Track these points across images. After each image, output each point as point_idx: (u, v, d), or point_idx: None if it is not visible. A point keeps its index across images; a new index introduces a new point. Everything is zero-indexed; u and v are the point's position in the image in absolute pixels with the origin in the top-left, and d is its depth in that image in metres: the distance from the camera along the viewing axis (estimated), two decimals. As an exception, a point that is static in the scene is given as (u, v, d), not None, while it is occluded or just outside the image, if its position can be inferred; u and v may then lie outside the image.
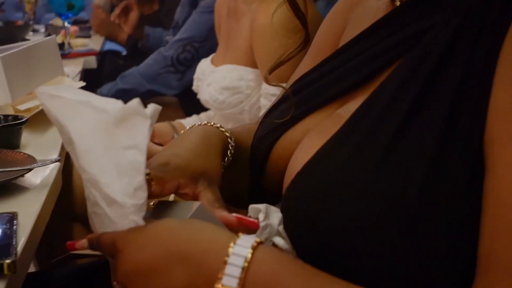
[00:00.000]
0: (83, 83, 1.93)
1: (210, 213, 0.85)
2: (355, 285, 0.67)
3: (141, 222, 0.75)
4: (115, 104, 0.78)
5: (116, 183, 0.76)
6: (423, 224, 0.67)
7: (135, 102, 0.75)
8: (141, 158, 0.75)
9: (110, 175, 0.76)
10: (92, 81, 2.56)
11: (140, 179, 0.76)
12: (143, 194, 0.76)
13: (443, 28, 0.75)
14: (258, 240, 0.69)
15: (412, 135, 0.71)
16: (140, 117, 0.76)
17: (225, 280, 0.67)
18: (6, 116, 1.41)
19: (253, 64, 1.99)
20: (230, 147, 0.98)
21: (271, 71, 0.96)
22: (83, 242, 0.81)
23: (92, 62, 2.90)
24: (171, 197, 0.98)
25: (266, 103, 1.92)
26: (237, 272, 0.67)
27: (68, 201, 1.86)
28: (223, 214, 0.83)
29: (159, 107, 0.78)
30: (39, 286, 1.10)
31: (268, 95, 1.90)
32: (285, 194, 0.78)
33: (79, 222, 1.90)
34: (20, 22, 3.32)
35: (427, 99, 0.72)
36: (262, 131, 0.97)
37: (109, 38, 3.53)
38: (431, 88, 0.72)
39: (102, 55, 3.20)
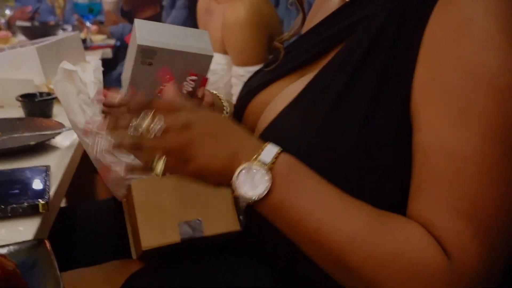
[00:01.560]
0: (100, 62, 1.89)
1: None
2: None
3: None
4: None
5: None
6: (360, 161, 0.67)
7: None
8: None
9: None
10: (108, 67, 2.53)
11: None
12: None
13: (377, 16, 0.72)
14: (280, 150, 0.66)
15: (351, 98, 0.69)
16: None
17: (263, 155, 0.64)
18: (41, 93, 1.39)
19: (225, 52, 1.95)
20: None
21: (275, 44, 0.91)
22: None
23: (108, 53, 2.85)
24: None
25: (236, 82, 1.91)
26: (270, 155, 0.65)
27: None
28: None
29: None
30: (67, 218, 1.08)
31: (238, 75, 1.88)
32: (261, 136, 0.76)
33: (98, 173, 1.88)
34: (52, 23, 3.24)
35: (363, 72, 0.70)
36: (241, 94, 0.94)
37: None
38: (366, 65, 0.70)
39: (116, 48, 3.15)
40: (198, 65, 0.78)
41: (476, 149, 0.60)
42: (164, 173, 0.66)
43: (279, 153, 0.65)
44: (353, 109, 0.68)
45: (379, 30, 0.71)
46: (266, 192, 0.64)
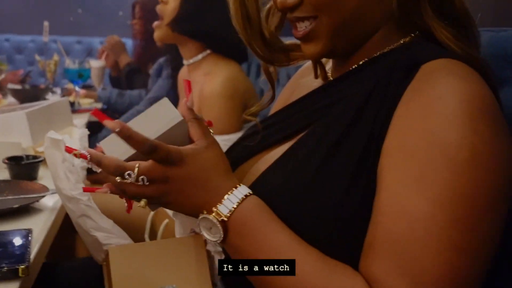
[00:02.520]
0: (87, 131, 1.91)
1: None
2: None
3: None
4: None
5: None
6: (339, 222, 0.70)
7: None
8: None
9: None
10: (94, 129, 2.55)
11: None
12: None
13: (360, 94, 0.76)
14: (249, 192, 0.73)
15: (333, 166, 0.72)
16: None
17: (220, 208, 0.72)
18: (28, 156, 1.40)
19: None
20: None
21: (248, 114, 0.94)
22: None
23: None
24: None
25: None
26: (229, 207, 0.72)
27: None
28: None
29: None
30: (47, 275, 1.07)
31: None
32: None
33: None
34: (42, 86, 3.27)
35: (342, 143, 0.73)
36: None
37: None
38: (348, 136, 0.74)
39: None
40: (177, 133, 0.79)
41: (426, 214, 0.63)
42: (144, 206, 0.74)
43: (239, 203, 0.72)
44: (339, 171, 0.71)
45: (363, 103, 0.75)
46: (219, 240, 0.72)
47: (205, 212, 0.73)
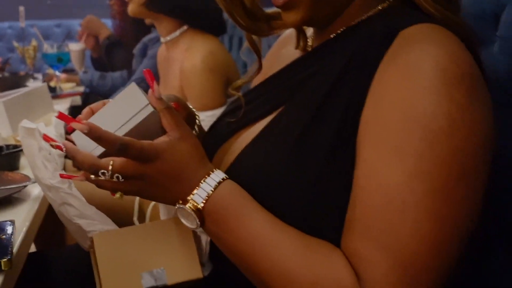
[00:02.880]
0: (63, 123, 1.89)
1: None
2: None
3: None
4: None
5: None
6: (319, 196, 0.69)
7: None
8: None
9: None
10: (77, 114, 2.50)
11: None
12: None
13: (337, 63, 0.75)
14: (224, 177, 0.73)
15: (311, 139, 0.72)
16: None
17: (194, 197, 0.72)
18: (8, 145, 1.37)
19: (184, 99, 1.95)
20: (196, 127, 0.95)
21: (233, 88, 0.93)
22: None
23: (77, 100, 2.84)
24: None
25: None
26: (203, 195, 0.72)
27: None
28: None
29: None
30: (37, 264, 1.06)
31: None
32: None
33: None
34: (22, 73, 3.23)
35: (321, 113, 0.73)
36: (205, 143, 0.91)
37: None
38: (325, 107, 0.73)
39: (86, 95, 3.14)
40: (149, 124, 0.76)
41: (403, 185, 0.62)
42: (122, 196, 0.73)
43: (213, 191, 0.72)
44: (317, 145, 0.71)
45: (340, 74, 0.73)
46: (196, 227, 0.73)
47: (180, 202, 0.73)
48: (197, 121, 0.95)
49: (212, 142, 0.92)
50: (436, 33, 0.69)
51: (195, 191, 0.72)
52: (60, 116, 0.71)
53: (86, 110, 0.79)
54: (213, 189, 0.72)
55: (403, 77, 0.66)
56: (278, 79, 0.87)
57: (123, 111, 0.72)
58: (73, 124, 0.70)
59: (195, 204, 0.72)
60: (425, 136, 0.63)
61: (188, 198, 0.72)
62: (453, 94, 0.64)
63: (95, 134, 0.69)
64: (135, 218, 1.55)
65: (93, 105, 0.81)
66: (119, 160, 0.70)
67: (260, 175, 0.73)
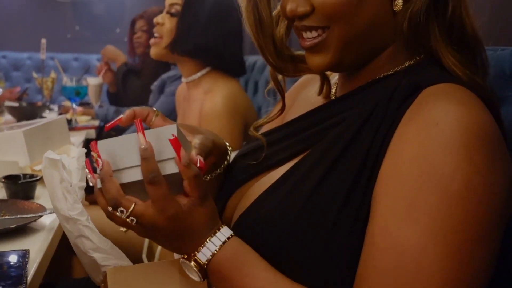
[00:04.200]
0: (85, 150, 1.91)
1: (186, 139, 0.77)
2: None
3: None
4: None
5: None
6: (332, 245, 0.69)
7: None
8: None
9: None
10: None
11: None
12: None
13: (360, 114, 0.75)
14: (230, 235, 0.74)
15: (327, 189, 0.71)
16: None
17: (199, 255, 0.73)
18: (25, 175, 1.39)
19: None
20: (228, 158, 0.94)
21: (255, 128, 0.94)
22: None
23: (92, 133, 2.87)
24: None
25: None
26: (207, 254, 0.72)
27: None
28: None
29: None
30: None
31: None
32: (238, 220, 0.79)
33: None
34: (39, 103, 3.28)
35: (343, 163, 0.73)
36: (223, 184, 0.94)
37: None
38: (347, 157, 0.73)
39: (100, 128, 3.18)
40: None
41: (417, 246, 0.62)
42: None
43: (217, 250, 0.72)
44: (333, 196, 0.70)
45: (361, 125, 0.74)
46: (200, 280, 0.74)
47: (185, 257, 0.74)
48: (228, 156, 0.94)
49: (229, 184, 0.92)
50: (459, 93, 0.70)
51: (200, 249, 0.73)
52: (92, 145, 0.74)
53: (129, 113, 0.80)
54: (217, 249, 0.72)
55: (423, 134, 0.66)
56: (301, 124, 0.87)
57: (156, 149, 0.71)
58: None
59: (200, 261, 0.73)
60: (441, 197, 0.63)
61: (193, 255, 0.73)
62: (472, 155, 0.64)
63: (147, 153, 0.69)
64: (144, 256, 1.55)
65: (137, 110, 0.81)
66: (141, 205, 0.70)
67: (275, 221, 0.73)
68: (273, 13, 0.87)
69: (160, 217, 0.70)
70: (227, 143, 0.95)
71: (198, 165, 0.71)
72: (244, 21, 0.85)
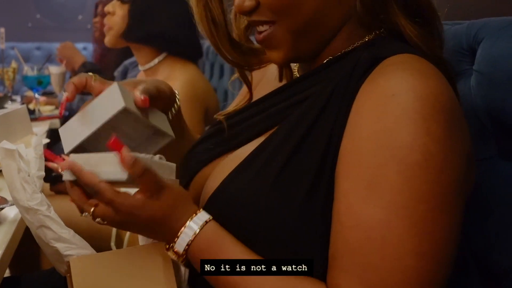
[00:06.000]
0: (48, 140, 1.89)
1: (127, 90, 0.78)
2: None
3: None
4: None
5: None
6: (305, 220, 0.69)
7: None
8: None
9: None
10: (56, 137, 2.50)
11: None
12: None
13: (322, 92, 0.76)
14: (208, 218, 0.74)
15: (297, 164, 0.72)
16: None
17: (176, 245, 0.74)
18: (-15, 167, 1.35)
19: None
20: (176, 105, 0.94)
21: (217, 117, 0.94)
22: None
23: (56, 123, 2.81)
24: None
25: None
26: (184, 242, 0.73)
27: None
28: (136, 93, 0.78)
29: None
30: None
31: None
32: (208, 201, 0.79)
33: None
34: (1, 94, 3.20)
35: (306, 142, 0.73)
36: (186, 165, 0.93)
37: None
38: (312, 133, 0.73)
39: (64, 118, 3.12)
40: (121, 122, 0.77)
41: (381, 222, 0.62)
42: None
43: (195, 236, 0.73)
44: (301, 175, 0.71)
45: (326, 101, 0.74)
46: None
47: (167, 246, 0.76)
48: (177, 99, 0.93)
49: (190, 166, 0.91)
50: (419, 64, 0.70)
51: (176, 239, 0.74)
52: (46, 153, 0.76)
53: (70, 87, 0.79)
54: (192, 239, 0.73)
55: (380, 107, 0.66)
56: (266, 103, 0.87)
57: (101, 112, 0.75)
58: (59, 164, 0.74)
59: (178, 252, 0.74)
60: (401, 170, 0.63)
61: (172, 244, 0.75)
62: (430, 125, 0.63)
63: (76, 172, 0.72)
64: (112, 243, 1.53)
65: (75, 81, 0.80)
66: (100, 207, 0.73)
67: (245, 200, 0.73)
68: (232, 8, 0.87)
69: (117, 216, 0.72)
70: (176, 91, 0.95)
71: (142, 98, 0.75)
72: (197, 22, 0.86)
